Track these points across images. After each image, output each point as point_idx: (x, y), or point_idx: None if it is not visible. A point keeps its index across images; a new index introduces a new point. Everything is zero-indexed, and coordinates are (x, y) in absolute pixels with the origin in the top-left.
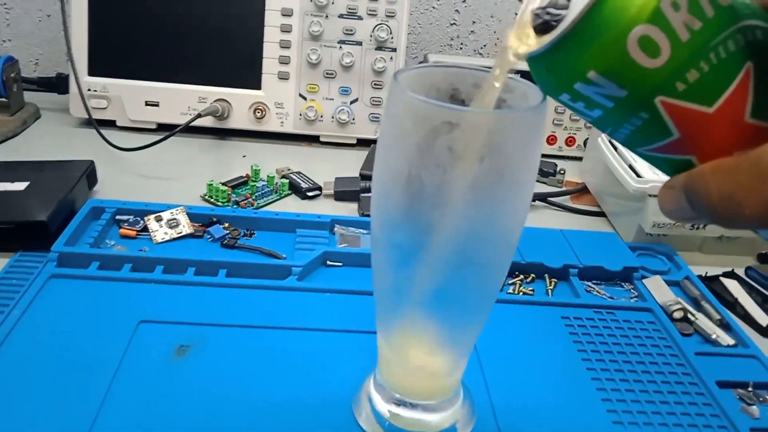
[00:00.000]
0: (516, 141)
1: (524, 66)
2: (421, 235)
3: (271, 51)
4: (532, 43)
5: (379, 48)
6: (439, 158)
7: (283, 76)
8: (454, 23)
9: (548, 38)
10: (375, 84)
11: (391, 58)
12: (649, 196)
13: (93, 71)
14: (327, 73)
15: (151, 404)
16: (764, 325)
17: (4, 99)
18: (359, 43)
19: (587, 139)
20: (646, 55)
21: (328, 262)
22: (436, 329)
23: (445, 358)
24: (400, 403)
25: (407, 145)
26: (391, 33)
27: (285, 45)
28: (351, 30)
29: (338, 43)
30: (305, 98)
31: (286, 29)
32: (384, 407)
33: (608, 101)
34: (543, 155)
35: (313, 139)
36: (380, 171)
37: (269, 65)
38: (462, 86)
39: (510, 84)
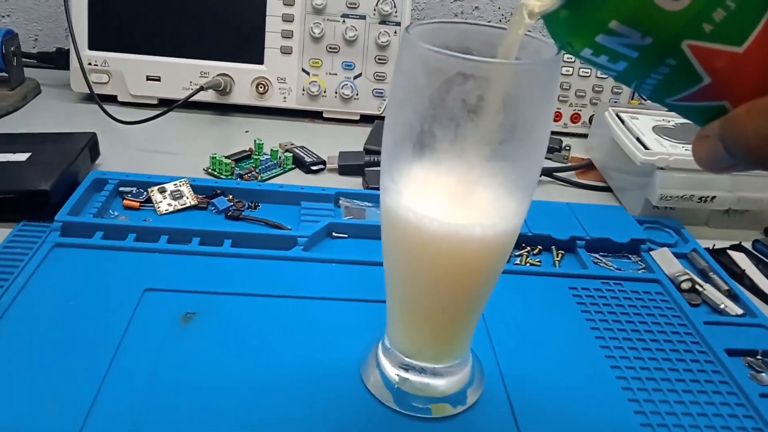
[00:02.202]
0: (530, 94)
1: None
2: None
3: (273, 25)
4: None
5: (382, 22)
6: (452, 111)
7: (286, 51)
8: None
9: None
10: (379, 59)
11: (395, 32)
12: (657, 168)
13: (93, 45)
14: (330, 48)
15: (157, 370)
16: None
17: (3, 73)
18: (363, 17)
19: (592, 115)
20: None
21: (334, 234)
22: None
23: (453, 324)
24: (408, 367)
25: (420, 99)
26: (395, 6)
27: (288, 18)
28: (354, 3)
29: (341, 16)
30: (308, 73)
31: (288, 2)
32: (392, 372)
33: (633, 51)
34: None
35: (316, 115)
36: (391, 128)
37: (272, 39)
38: (473, 44)
39: (522, 40)
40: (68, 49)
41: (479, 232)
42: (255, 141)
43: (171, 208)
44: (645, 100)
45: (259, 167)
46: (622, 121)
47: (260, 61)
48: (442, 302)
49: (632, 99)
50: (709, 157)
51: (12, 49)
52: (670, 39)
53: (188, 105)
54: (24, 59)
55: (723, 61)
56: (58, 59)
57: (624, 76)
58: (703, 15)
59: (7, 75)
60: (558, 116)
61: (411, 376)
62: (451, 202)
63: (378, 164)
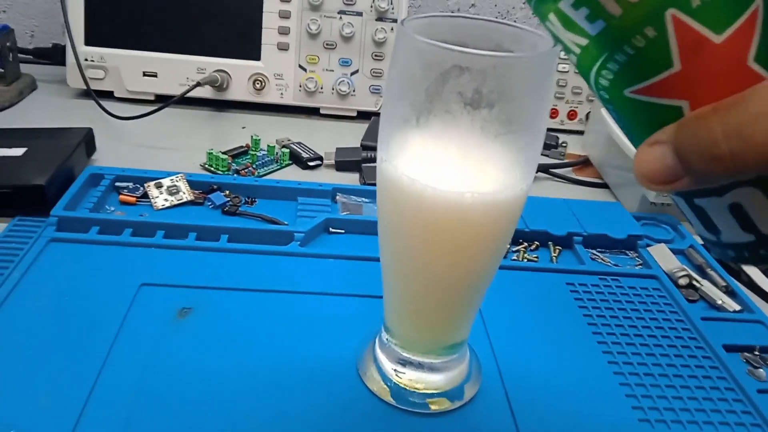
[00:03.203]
0: (527, 86)
1: None
2: None
3: (270, 21)
4: None
5: (379, 19)
6: (448, 104)
7: (283, 47)
8: None
9: None
10: (376, 55)
11: (392, 29)
12: None
13: (90, 41)
14: (327, 44)
15: (153, 364)
16: None
17: (0, 69)
18: (359, 14)
19: (589, 112)
20: None
21: (331, 229)
22: (445, 283)
23: (452, 307)
24: (406, 362)
25: (416, 92)
26: (391, 3)
27: (284, 15)
28: (351, 0)
29: (338, 13)
30: (305, 69)
31: None
32: (389, 367)
33: (616, 6)
34: None
35: (312, 112)
36: (387, 122)
37: (268, 36)
38: (469, 38)
39: (518, 34)
40: (64, 45)
41: (479, 199)
42: (252, 137)
43: (167, 204)
44: None
45: (256, 163)
46: None
47: (257, 58)
48: (443, 280)
49: None
50: (654, 168)
51: (8, 44)
52: (657, 2)
53: (185, 101)
54: (20, 55)
55: (698, 46)
56: (55, 55)
57: (595, 45)
58: None
59: (3, 70)
60: (555, 113)
61: (408, 371)
62: (451, 170)
63: (375, 160)
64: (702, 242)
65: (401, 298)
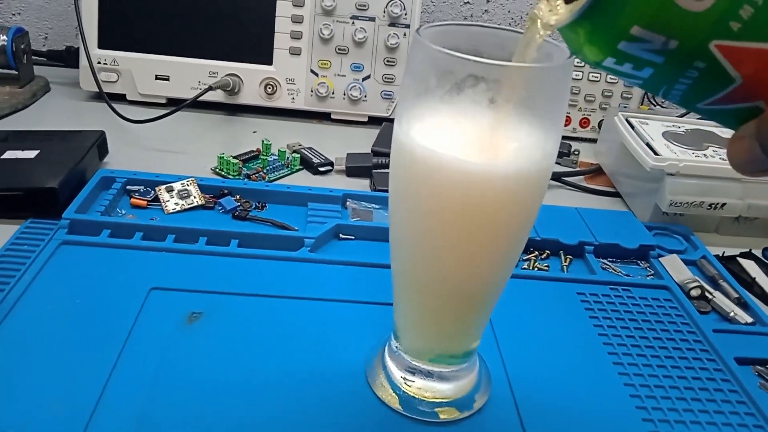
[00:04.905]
0: (542, 97)
1: None
2: None
3: (282, 25)
4: (562, 11)
5: (392, 24)
6: (463, 114)
7: (295, 52)
8: (467, 2)
9: (581, 1)
10: (388, 61)
11: (405, 34)
12: (667, 174)
13: (103, 44)
14: (339, 49)
15: (163, 369)
16: None
17: (13, 71)
18: (372, 19)
19: (602, 120)
20: None
21: (341, 235)
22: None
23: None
24: (415, 371)
25: (430, 101)
26: (404, 9)
27: (297, 20)
28: (364, 5)
29: (351, 18)
30: (317, 74)
31: (298, 3)
32: (398, 375)
33: (658, 56)
34: None
35: (324, 116)
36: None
37: (281, 40)
38: (484, 47)
39: None
40: (78, 48)
41: (502, 170)
42: (263, 141)
43: (178, 208)
44: (654, 106)
45: (267, 167)
46: (632, 127)
47: (269, 62)
48: (458, 276)
49: (642, 104)
50: (744, 159)
51: (22, 46)
52: (697, 41)
53: (197, 105)
54: (34, 57)
55: (755, 60)
56: (68, 57)
57: (650, 83)
58: (729, 13)
59: (16, 72)
60: (567, 121)
61: (417, 380)
62: (473, 145)
63: (386, 166)
64: None
65: (412, 303)
